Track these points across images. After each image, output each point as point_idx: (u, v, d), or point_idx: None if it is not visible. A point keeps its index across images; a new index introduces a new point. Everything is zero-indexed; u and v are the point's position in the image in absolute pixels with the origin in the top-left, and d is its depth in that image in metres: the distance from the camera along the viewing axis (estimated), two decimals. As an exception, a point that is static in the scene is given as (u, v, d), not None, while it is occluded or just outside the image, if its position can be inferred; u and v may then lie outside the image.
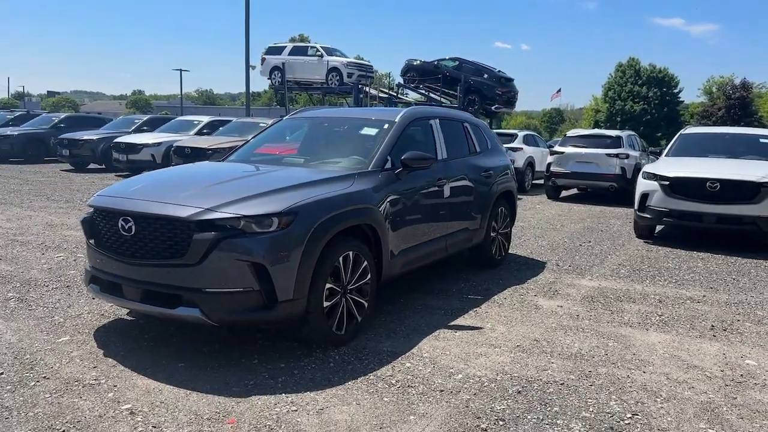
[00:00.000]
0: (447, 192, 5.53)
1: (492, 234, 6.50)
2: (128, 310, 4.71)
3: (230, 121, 16.88)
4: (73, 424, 3.07)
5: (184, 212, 3.72)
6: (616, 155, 13.54)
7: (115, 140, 16.54)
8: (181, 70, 62.35)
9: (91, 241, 4.17)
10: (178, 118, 19.68)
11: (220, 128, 16.23)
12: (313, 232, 3.86)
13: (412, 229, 5.03)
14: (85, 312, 4.79)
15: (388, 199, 4.66)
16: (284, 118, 6.39)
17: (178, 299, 3.74)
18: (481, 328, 4.69)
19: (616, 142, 13.94)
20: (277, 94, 49.31)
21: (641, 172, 8.93)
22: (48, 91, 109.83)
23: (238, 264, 3.66)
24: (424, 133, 5.63)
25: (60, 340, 4.20)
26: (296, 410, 3.27)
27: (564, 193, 14.81)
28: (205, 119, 17.88)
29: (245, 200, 3.86)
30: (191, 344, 4.17)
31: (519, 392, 3.56)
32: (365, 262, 4.35)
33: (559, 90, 67.35)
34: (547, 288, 5.96)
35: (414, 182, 5.05)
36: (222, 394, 3.43)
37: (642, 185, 8.63)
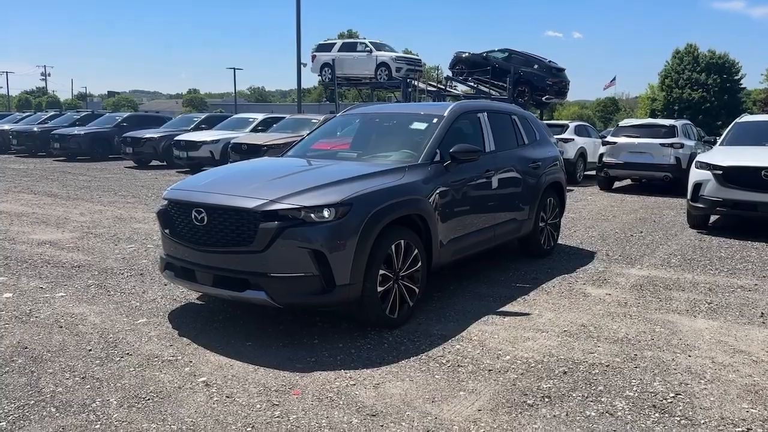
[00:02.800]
0: (495, 183, 5.71)
1: (540, 224, 6.63)
2: (198, 295, 5.11)
3: (283, 118, 17.38)
4: (156, 393, 3.43)
5: (251, 203, 4.05)
6: (671, 145, 13.30)
7: (176, 138, 17.29)
8: (234, 69, 63.96)
9: (166, 231, 4.56)
10: (234, 116, 20.38)
11: (274, 125, 16.74)
12: (367, 222, 4.12)
13: (461, 219, 5.23)
14: (159, 297, 5.21)
15: (437, 191, 4.88)
16: (336, 115, 6.70)
17: (246, 283, 4.07)
18: (528, 314, 4.87)
19: (671, 131, 13.69)
20: (326, 90, 50.04)
21: (694, 162, 8.84)
22: (108, 92, 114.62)
23: (300, 251, 3.97)
24: (472, 126, 5.81)
25: (138, 321, 4.61)
26: (354, 384, 3.55)
27: (617, 184, 14.65)
28: (260, 117, 18.45)
29: (305, 192, 4.16)
30: (257, 325, 4.52)
31: (565, 373, 3.73)
32: (416, 251, 4.59)
33: (614, 79, 65.53)
34: (596, 277, 6.06)
35: (462, 174, 5.26)
36: (287, 369, 3.74)
37: (695, 175, 8.55)
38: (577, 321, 4.70)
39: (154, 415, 3.18)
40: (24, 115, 30.45)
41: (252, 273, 4.04)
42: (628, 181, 15.13)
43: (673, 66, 53.50)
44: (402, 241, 4.45)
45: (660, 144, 13.39)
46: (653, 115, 49.71)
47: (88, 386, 3.51)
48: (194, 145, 16.48)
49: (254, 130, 17.20)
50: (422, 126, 5.44)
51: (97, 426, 3.07)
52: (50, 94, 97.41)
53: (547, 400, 3.38)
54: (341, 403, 3.33)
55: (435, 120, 5.41)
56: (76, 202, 10.90)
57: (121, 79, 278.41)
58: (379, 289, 4.27)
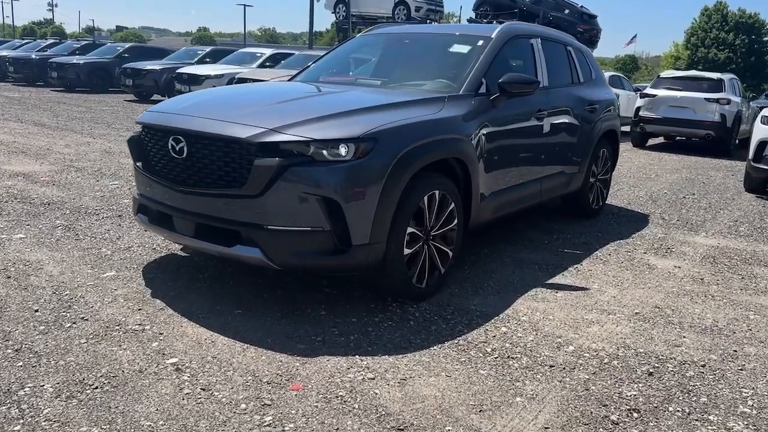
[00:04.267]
0: (547, 127, 4.69)
1: (590, 180, 5.62)
2: (182, 246, 4.19)
3: (292, 54, 16.15)
4: (108, 379, 2.55)
5: (243, 132, 3.07)
6: (716, 100, 12.08)
7: (178, 71, 16.13)
8: (245, 5, 61.65)
9: (139, 165, 3.60)
10: (240, 50, 19.11)
11: (282, 61, 15.54)
12: (396, 164, 3.15)
13: (506, 168, 4.25)
14: (136, 245, 4.30)
15: (481, 131, 3.88)
16: (358, 35, 5.61)
17: (236, 236, 3.14)
18: (586, 288, 3.94)
19: (717, 85, 12.44)
20: (339, 32, 48.09)
21: (759, 116, 7.73)
22: (117, 26, 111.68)
23: (307, 198, 3.02)
24: (523, 53, 4.75)
25: (105, 275, 3.71)
26: (373, 378, 2.66)
27: (650, 141, 13.49)
28: (268, 51, 17.22)
29: (316, 121, 3.17)
30: (251, 288, 3.61)
31: (650, 374, 2.83)
32: (452, 204, 3.64)
33: (635, 36, 63.27)
34: (657, 245, 5.11)
35: (511, 112, 4.24)
36: (285, 351, 2.85)
37: (760, 132, 7.46)
38: (648, 300, 3.77)
39: (99, 414, 2.30)
40: (23, 42, 29.12)
41: (244, 224, 3.11)
42: (660, 139, 13.97)
43: (700, 24, 51.17)
44: (436, 192, 3.49)
45: (705, 99, 12.17)
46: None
47: (20, 363, 2.63)
48: (197, 79, 15.32)
49: (261, 65, 16.01)
50: (464, 49, 4.38)
51: (17, 429, 2.19)
52: (56, 26, 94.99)
53: (635, 415, 2.48)
54: (356, 407, 2.44)
55: (480, 42, 4.35)
56: (64, 133, 9.92)
57: (130, 15, 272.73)
58: (406, 251, 3.33)
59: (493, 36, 4.39)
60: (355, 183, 3.05)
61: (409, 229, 3.34)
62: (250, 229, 3.09)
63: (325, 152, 3.03)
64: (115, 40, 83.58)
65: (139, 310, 3.25)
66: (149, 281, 3.65)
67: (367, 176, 3.08)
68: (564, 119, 4.98)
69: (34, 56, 22.12)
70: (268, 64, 16.10)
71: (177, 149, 3.25)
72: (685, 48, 52.03)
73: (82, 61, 19.98)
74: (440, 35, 4.92)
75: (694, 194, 7.63)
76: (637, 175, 8.96)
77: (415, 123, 3.39)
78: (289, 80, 4.88)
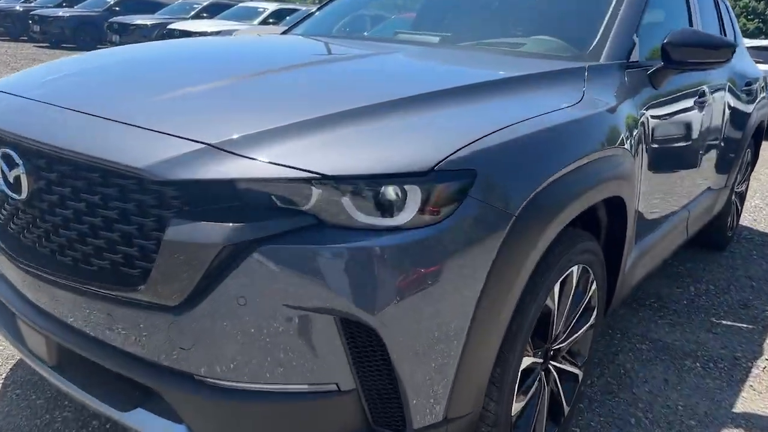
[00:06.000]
0: (707, 119, 2.82)
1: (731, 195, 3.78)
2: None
3: (298, 10, 14.16)
4: None
5: (145, 155, 1.24)
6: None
7: (170, 26, 14.13)
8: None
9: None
10: (240, 5, 17.02)
11: (288, 17, 13.58)
12: (515, 229, 1.34)
13: (659, 197, 2.41)
14: None
15: (637, 135, 2.02)
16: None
17: (137, 392, 1.35)
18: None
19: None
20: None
21: None
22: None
23: (302, 319, 1.21)
24: (676, 4, 2.85)
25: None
26: None
27: None
28: (272, 6, 15.17)
29: (325, 128, 1.34)
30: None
31: None
32: (593, 286, 1.83)
33: None
34: None
35: (674, 97, 2.39)
36: None
37: None
38: None
39: None
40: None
41: (152, 366, 1.31)
42: None
43: (731, -8, 48.32)
44: (574, 270, 1.68)
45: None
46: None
47: None
48: (190, 37, 13.34)
49: (264, 22, 14.04)
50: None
51: None
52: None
53: None
54: None
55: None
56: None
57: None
58: (515, 406, 1.54)
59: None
60: (420, 283, 1.23)
61: (526, 359, 1.54)
62: (163, 381, 1.30)
63: (349, 205, 1.23)
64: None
65: None
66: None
67: (450, 265, 1.26)
68: (722, 105, 3.10)
69: (18, 7, 20.09)
70: (271, 20, 14.11)
71: (10, 179, 1.43)
72: (713, 16, 49.30)
73: (67, 14, 17.98)
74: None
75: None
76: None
77: (546, 130, 1.53)
78: (284, 33, 3.01)
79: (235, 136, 1.26)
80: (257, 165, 1.22)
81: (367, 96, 1.51)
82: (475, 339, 1.32)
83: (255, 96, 1.53)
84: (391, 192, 1.23)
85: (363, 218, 1.23)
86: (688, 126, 2.56)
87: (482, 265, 1.30)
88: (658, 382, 2.37)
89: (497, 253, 1.31)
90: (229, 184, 1.21)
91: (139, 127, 1.31)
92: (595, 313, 1.92)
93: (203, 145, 1.24)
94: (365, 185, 1.22)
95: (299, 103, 1.49)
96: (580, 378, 1.94)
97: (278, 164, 1.22)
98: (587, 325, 1.88)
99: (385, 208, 1.23)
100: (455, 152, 1.29)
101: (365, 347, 1.24)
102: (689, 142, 2.61)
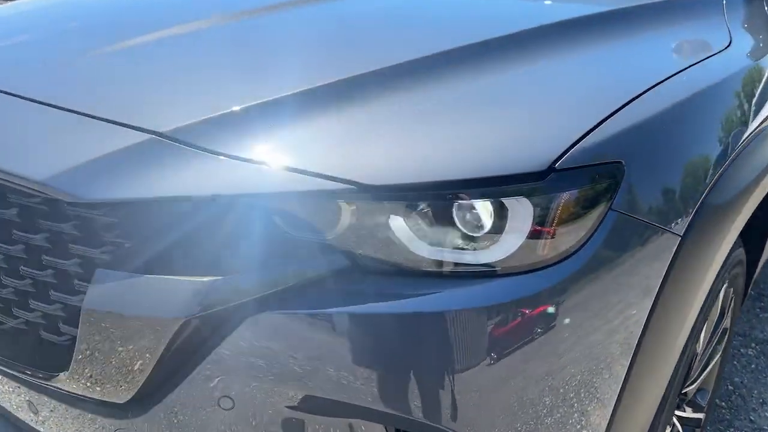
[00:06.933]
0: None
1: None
2: None
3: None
4: None
5: (48, 164, 0.71)
6: None
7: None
8: None
9: None
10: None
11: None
12: (683, 251, 0.82)
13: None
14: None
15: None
16: None
17: None
18: None
19: None
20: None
21: None
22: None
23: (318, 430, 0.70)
24: None
25: None
26: None
27: None
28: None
29: (347, 102, 0.80)
30: None
31: None
32: (732, 302, 1.31)
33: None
34: None
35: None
36: None
37: None
38: None
39: None
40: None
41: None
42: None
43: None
44: (721, 291, 1.15)
45: None
46: None
47: None
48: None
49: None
50: None
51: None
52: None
53: None
54: None
55: None
56: None
57: None
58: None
59: None
60: (539, 372, 0.71)
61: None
62: None
63: (405, 234, 0.71)
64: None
65: None
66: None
67: (584, 339, 0.74)
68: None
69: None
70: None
71: None
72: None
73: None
74: None
75: None
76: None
77: (710, 90, 0.95)
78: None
79: (201, 120, 0.72)
80: (243, 170, 0.69)
81: (419, 46, 0.94)
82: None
83: (234, 52, 0.97)
84: (480, 210, 0.70)
85: (429, 253, 0.70)
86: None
87: (633, 329, 0.77)
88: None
89: (653, 302, 0.78)
90: (192, 204, 0.68)
91: (42, 103, 0.78)
92: (728, 335, 1.40)
93: (149, 136, 0.71)
94: (432, 201, 0.69)
95: (307, 60, 0.93)
96: (702, 422, 1.44)
97: (280, 168, 0.69)
98: (719, 354, 1.37)
99: (469, 236, 0.71)
100: (585, 136, 0.74)
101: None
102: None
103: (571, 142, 0.73)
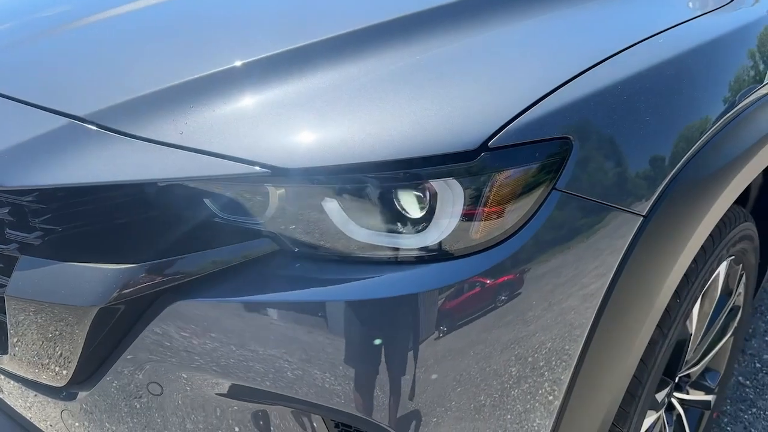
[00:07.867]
0: None
1: None
2: None
3: None
4: None
5: None
6: None
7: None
8: None
9: None
10: None
11: None
12: (648, 233, 0.76)
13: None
14: None
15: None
16: None
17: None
18: None
19: None
20: None
21: None
22: None
23: (248, 415, 0.70)
24: None
25: None
26: None
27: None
28: None
29: (274, 76, 0.77)
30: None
31: None
32: (742, 279, 1.21)
33: None
34: None
35: None
36: None
37: None
38: None
39: None
40: None
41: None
42: None
43: None
44: (723, 266, 1.07)
45: None
46: None
47: None
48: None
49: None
50: None
51: None
52: None
53: None
54: None
55: None
56: None
57: None
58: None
59: None
60: (470, 359, 0.68)
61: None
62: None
63: (338, 216, 0.68)
64: None
65: None
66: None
67: (534, 319, 0.71)
68: None
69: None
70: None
71: None
72: None
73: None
74: None
75: None
76: None
77: (692, 52, 0.87)
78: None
79: (120, 102, 0.71)
80: (166, 154, 0.67)
81: (350, 18, 0.88)
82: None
83: (160, 32, 0.94)
84: (411, 193, 0.66)
85: (362, 236, 0.67)
86: None
87: (586, 314, 0.72)
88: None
89: (609, 285, 0.73)
90: (115, 190, 0.67)
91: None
92: (740, 314, 1.31)
93: (66, 120, 0.69)
94: (362, 182, 0.66)
95: (233, 37, 0.89)
96: (712, 404, 1.36)
97: (203, 151, 0.67)
98: (729, 333, 1.28)
99: (402, 217, 0.67)
100: (525, 111, 0.68)
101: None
102: None
103: (507, 119, 0.67)
